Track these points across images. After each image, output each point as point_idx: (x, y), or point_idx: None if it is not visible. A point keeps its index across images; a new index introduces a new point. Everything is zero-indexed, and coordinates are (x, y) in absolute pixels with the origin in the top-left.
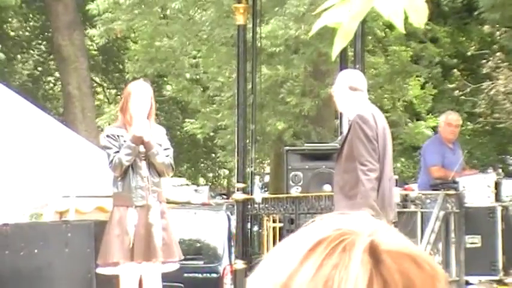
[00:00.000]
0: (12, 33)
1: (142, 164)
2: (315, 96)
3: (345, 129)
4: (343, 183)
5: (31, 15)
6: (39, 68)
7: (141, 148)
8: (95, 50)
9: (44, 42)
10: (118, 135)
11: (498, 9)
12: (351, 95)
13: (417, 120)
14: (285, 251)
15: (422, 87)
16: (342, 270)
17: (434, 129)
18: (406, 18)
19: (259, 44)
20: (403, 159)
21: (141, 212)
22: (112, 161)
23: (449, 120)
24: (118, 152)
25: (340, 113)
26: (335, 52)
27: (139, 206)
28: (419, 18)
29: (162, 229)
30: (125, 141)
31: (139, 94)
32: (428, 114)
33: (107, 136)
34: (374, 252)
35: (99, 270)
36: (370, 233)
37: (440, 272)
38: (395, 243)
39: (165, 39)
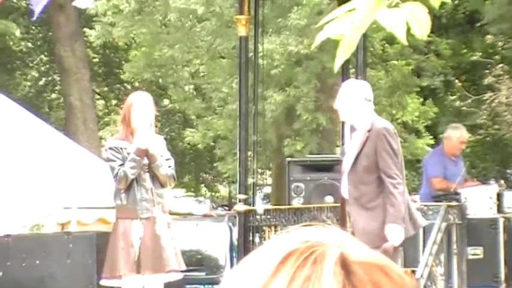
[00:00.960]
0: (13, 45)
1: (146, 176)
2: (325, 110)
3: (347, 141)
4: (359, 195)
5: (33, 27)
6: (42, 80)
7: (145, 160)
8: (95, 60)
9: (46, 54)
10: (121, 148)
11: (504, 21)
12: (365, 105)
13: (416, 136)
14: (254, 264)
15: (423, 103)
16: (314, 283)
17: (433, 146)
18: (408, 29)
19: (261, 59)
20: (406, 172)
21: (146, 224)
22: (117, 174)
23: (462, 138)
24: (122, 164)
25: (342, 124)
26: (337, 64)
27: (144, 218)
28: (422, 29)
29: (169, 240)
30: (128, 153)
31: (141, 105)
32: (426, 130)
33: (110, 149)
34: (345, 264)
35: (104, 282)
36: (339, 245)
37: (409, 282)
38: (364, 254)
39: (165, 48)
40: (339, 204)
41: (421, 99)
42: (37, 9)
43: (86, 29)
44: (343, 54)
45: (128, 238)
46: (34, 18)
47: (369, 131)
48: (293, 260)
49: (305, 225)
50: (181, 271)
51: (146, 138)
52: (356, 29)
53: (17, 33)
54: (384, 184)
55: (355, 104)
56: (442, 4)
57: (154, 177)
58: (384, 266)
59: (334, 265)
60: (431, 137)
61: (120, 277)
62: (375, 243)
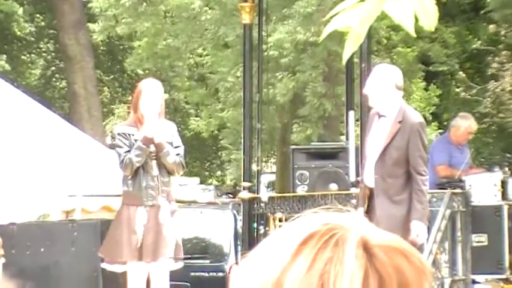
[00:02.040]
0: (18, 33)
1: (153, 164)
2: (332, 97)
3: (370, 127)
4: (386, 187)
5: (37, 15)
6: (46, 68)
7: (152, 147)
8: (100, 49)
9: (51, 41)
10: (129, 134)
11: (508, 7)
12: (396, 94)
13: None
14: (274, 246)
15: (426, 89)
16: (336, 265)
17: (441, 124)
18: (416, 21)
19: (265, 47)
20: None
21: (150, 212)
22: (123, 160)
23: (471, 129)
24: (129, 151)
25: (347, 112)
26: (345, 56)
27: (149, 206)
28: (430, 20)
29: (172, 228)
30: (135, 140)
31: (150, 92)
32: (433, 118)
33: (118, 134)
34: (366, 247)
35: (104, 266)
36: (359, 228)
37: (428, 267)
38: (385, 238)
39: (169, 38)
40: (343, 192)
41: (424, 84)
42: None
43: (89, 24)
44: (351, 46)
45: (132, 225)
46: None
47: (400, 122)
48: (314, 241)
49: (323, 209)
50: (183, 259)
51: (153, 127)
52: (363, 20)
53: (20, 11)
54: (413, 179)
55: (386, 90)
56: None
57: (161, 165)
58: (405, 250)
59: (356, 248)
60: (437, 125)
61: (123, 263)
62: (398, 234)
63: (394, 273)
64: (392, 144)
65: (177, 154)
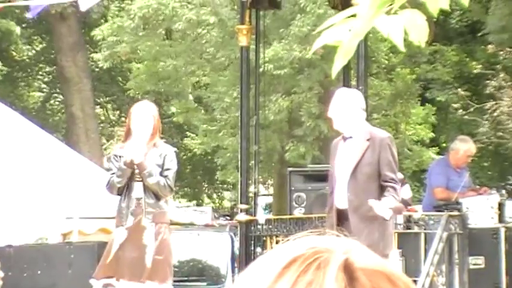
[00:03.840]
0: (16, 56)
1: (136, 185)
2: (327, 118)
3: (335, 151)
4: (359, 204)
5: (35, 37)
6: (44, 90)
7: (137, 169)
8: (98, 72)
9: (49, 64)
10: (120, 156)
11: (505, 31)
12: (361, 116)
13: (422, 146)
14: (260, 269)
15: (423, 105)
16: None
17: (439, 147)
18: (406, 37)
19: (261, 69)
20: (410, 183)
21: (132, 232)
22: (108, 181)
23: (470, 152)
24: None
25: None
26: (335, 71)
27: (128, 226)
28: (420, 36)
29: (155, 251)
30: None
31: (140, 114)
32: (431, 142)
33: (112, 157)
34: (348, 270)
35: (92, 282)
36: (345, 251)
37: None
38: (370, 262)
39: (168, 60)
40: None
41: (420, 103)
42: (35, 9)
43: (93, 54)
44: (340, 61)
45: (110, 244)
46: (30, 16)
47: (368, 139)
48: (297, 265)
49: (314, 232)
50: (179, 281)
51: (133, 148)
52: (354, 35)
53: (17, 30)
54: (385, 189)
55: (352, 113)
56: (441, 12)
57: (147, 187)
58: (390, 273)
59: (337, 271)
60: (436, 148)
61: (101, 278)
62: (376, 251)
63: None
64: (363, 161)
65: (165, 176)
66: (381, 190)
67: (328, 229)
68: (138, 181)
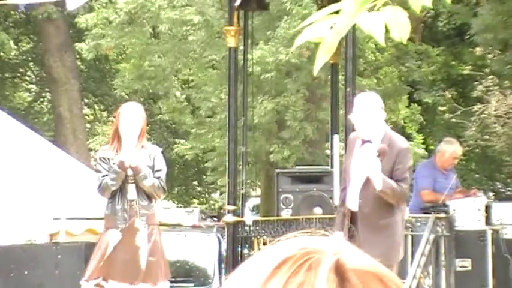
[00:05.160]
0: (2, 55)
1: (130, 187)
2: (313, 120)
3: (352, 151)
4: (368, 212)
5: (22, 37)
6: (31, 90)
7: (130, 171)
8: (85, 72)
9: (37, 64)
10: (108, 158)
11: (490, 31)
12: (381, 120)
13: (408, 140)
14: (250, 270)
15: (409, 106)
16: None
17: (427, 149)
18: (387, 32)
19: (250, 70)
20: None
21: (125, 234)
22: (100, 184)
23: (456, 154)
24: (106, 175)
25: (331, 136)
26: (316, 67)
27: (122, 228)
28: (401, 33)
29: (148, 252)
30: (114, 164)
31: (128, 115)
32: (419, 134)
33: (98, 159)
34: (339, 271)
35: (83, 284)
36: (336, 252)
37: None
38: (361, 262)
39: (155, 58)
40: (327, 216)
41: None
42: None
43: (77, 44)
44: (322, 58)
45: (104, 246)
46: (21, 7)
47: (387, 146)
48: (288, 266)
49: (306, 233)
50: (170, 281)
51: (128, 151)
52: (336, 32)
53: (10, 43)
54: None
55: (378, 117)
56: (424, 9)
57: (140, 189)
58: (381, 274)
59: (328, 272)
60: (422, 141)
61: (89, 280)
62: (383, 261)
63: None
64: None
65: (158, 177)
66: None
67: (337, 224)
68: (131, 183)
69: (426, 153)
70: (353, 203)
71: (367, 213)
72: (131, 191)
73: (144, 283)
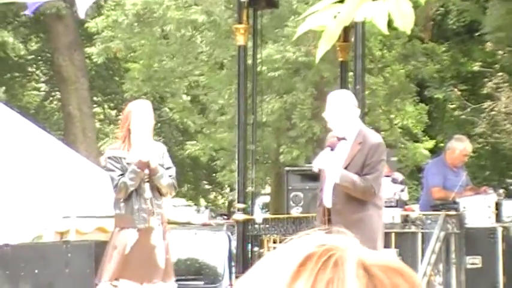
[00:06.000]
0: (12, 55)
1: (146, 186)
2: (321, 119)
3: (327, 149)
4: (341, 207)
5: (32, 37)
6: (40, 89)
7: (146, 171)
8: (94, 71)
9: (46, 63)
10: (120, 157)
11: (502, 31)
12: (355, 115)
13: (415, 142)
14: (271, 268)
15: (416, 105)
16: (338, 285)
17: (432, 150)
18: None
19: (259, 69)
20: (408, 181)
21: (142, 234)
22: (117, 184)
23: (466, 151)
24: (122, 174)
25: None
26: (319, 55)
27: (140, 228)
28: (405, 22)
29: (164, 251)
30: (127, 163)
31: (142, 114)
32: (424, 135)
33: (109, 158)
34: (365, 266)
35: (103, 285)
36: (355, 249)
37: (421, 284)
38: (381, 258)
39: (164, 59)
40: None
41: (416, 102)
42: (32, 6)
43: (87, 48)
44: (324, 45)
45: (121, 246)
46: (28, 13)
47: (360, 143)
48: (313, 262)
49: (315, 231)
50: (176, 280)
51: (148, 151)
52: (340, 21)
53: (10, 40)
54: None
55: (348, 113)
56: (439, 12)
57: (154, 187)
58: (400, 268)
59: (356, 268)
60: (429, 141)
61: (108, 282)
62: None
63: None
64: (351, 164)
65: (170, 175)
66: (375, 200)
67: (318, 222)
68: (146, 182)
69: (430, 154)
70: (327, 200)
71: (339, 209)
72: (147, 190)
73: (163, 282)
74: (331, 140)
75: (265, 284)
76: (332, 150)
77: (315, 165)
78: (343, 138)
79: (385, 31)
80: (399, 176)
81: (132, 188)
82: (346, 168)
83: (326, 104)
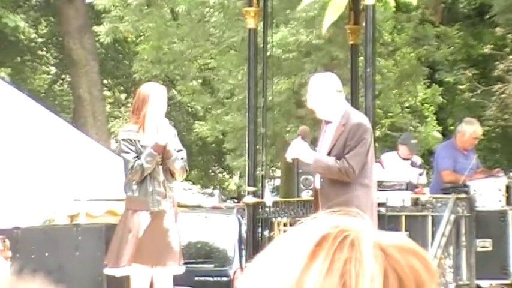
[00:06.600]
0: (22, 38)
1: (159, 169)
2: None
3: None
4: (328, 190)
5: (42, 20)
6: (51, 73)
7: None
8: (104, 54)
9: (56, 46)
10: (134, 140)
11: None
12: (338, 99)
13: (425, 124)
14: (286, 250)
15: (429, 86)
16: (356, 265)
17: (443, 133)
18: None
19: (269, 53)
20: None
21: (154, 217)
22: (132, 166)
23: (476, 134)
24: (137, 157)
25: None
26: (325, 25)
27: (154, 211)
28: None
29: (177, 233)
30: (142, 145)
31: (160, 98)
32: (435, 116)
33: (123, 140)
34: (381, 247)
35: (108, 271)
36: (369, 229)
37: (435, 266)
38: (395, 239)
39: (173, 42)
40: None
41: (427, 85)
42: None
43: (95, 27)
44: (331, 16)
45: (136, 230)
46: None
47: (343, 124)
48: (329, 243)
49: (327, 213)
50: (187, 263)
51: (165, 134)
52: None
53: (21, 24)
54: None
55: (329, 98)
56: None
57: (167, 170)
58: (415, 250)
59: (373, 248)
60: (439, 124)
61: (125, 266)
62: None
63: (410, 273)
64: (334, 147)
65: (181, 158)
66: (361, 180)
67: (314, 205)
68: (160, 164)
69: (441, 136)
70: (317, 183)
71: (326, 191)
72: (161, 172)
73: (175, 265)
74: (302, 128)
75: (281, 265)
76: (303, 139)
77: (288, 156)
78: (330, 122)
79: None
80: (418, 160)
81: (148, 171)
82: (330, 150)
83: (308, 88)
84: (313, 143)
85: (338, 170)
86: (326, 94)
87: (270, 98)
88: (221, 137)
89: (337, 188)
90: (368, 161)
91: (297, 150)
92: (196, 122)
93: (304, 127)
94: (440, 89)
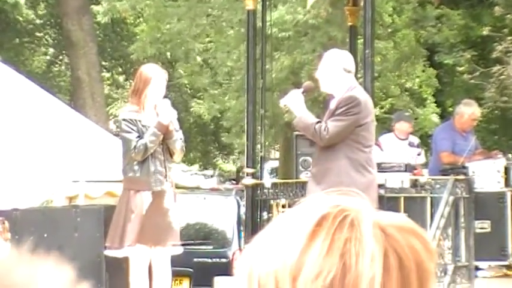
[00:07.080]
0: (21, 19)
1: (160, 149)
2: None
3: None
4: (317, 157)
5: (40, 1)
6: (49, 54)
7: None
8: (102, 35)
9: (55, 28)
10: (136, 120)
11: None
12: (344, 76)
13: (423, 106)
14: (285, 230)
15: (424, 70)
16: (356, 244)
17: (442, 115)
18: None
19: (269, 32)
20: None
21: (156, 196)
22: (135, 146)
23: (474, 116)
24: (139, 137)
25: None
26: (310, 1)
27: (156, 191)
28: None
29: (176, 213)
30: (143, 125)
31: (160, 80)
32: (434, 99)
33: (124, 120)
34: (381, 226)
35: (108, 253)
36: (368, 209)
37: (433, 246)
38: (394, 219)
39: (172, 23)
40: None
41: (426, 67)
42: None
43: (93, 6)
44: None
45: (137, 210)
46: None
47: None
48: (329, 223)
49: (325, 193)
50: (186, 245)
51: (168, 114)
52: None
53: (21, 1)
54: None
55: (334, 74)
56: None
57: (166, 150)
58: (414, 230)
59: (373, 228)
60: (437, 106)
61: (126, 247)
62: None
63: (410, 252)
64: (326, 117)
65: (180, 139)
66: (341, 145)
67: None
68: (161, 144)
69: (439, 120)
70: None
71: (315, 159)
72: (162, 153)
73: (174, 244)
74: (307, 83)
75: (281, 245)
76: (304, 93)
77: (281, 102)
78: (332, 96)
79: None
80: (415, 140)
81: (151, 151)
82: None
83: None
84: (315, 101)
85: (314, 129)
86: (332, 69)
87: (272, 79)
88: (219, 115)
89: (324, 156)
90: (365, 134)
91: (292, 100)
92: (194, 100)
93: (310, 82)
94: (436, 72)
